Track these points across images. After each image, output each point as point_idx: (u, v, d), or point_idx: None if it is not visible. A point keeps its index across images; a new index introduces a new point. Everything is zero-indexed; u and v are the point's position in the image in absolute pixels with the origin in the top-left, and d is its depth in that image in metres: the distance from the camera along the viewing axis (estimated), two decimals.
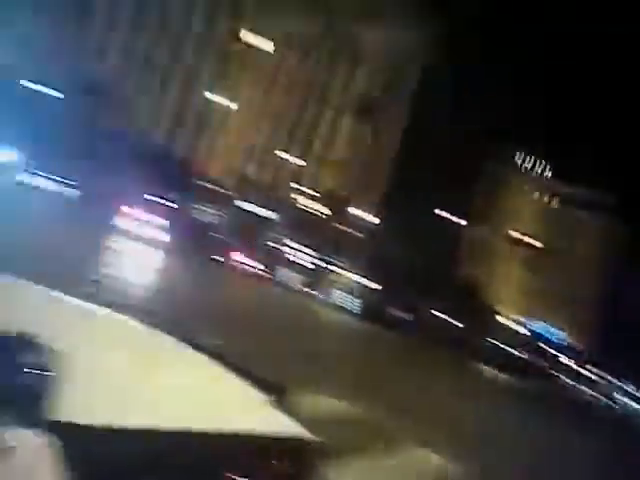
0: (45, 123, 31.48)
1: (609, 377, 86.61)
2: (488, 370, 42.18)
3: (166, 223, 29.32)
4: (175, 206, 32.53)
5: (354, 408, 5.68)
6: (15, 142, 28.62)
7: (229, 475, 1.37)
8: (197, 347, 1.99)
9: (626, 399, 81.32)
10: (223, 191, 41.44)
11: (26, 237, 10.78)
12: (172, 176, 34.31)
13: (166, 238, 27.81)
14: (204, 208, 38.04)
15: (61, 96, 37.98)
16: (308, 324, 19.86)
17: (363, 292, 44.96)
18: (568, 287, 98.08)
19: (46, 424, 1.13)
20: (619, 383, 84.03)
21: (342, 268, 46.11)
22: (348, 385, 8.58)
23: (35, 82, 36.79)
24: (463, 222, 52.63)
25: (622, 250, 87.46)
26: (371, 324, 34.81)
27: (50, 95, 37.50)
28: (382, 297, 44.02)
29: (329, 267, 45.18)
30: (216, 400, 1.69)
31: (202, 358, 1.93)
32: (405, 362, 19.93)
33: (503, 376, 43.17)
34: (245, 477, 1.42)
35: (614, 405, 76.78)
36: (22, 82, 35.92)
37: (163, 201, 31.47)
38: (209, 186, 40.91)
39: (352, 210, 49.42)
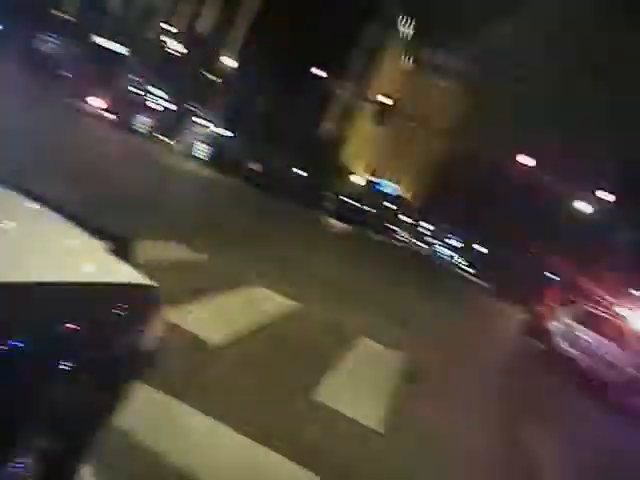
0: None
1: (437, 232, 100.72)
2: (332, 221, 44.98)
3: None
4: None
5: (196, 254, 6.91)
6: None
7: (69, 324, 1.32)
8: (37, 198, 1.86)
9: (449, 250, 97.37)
10: (77, 22, 37.15)
11: None
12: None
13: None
14: (55, 41, 34.54)
15: None
16: (158, 172, 18.81)
17: (217, 140, 45.62)
18: (418, 149, 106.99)
19: None
20: (445, 238, 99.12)
21: (199, 116, 45.99)
22: (193, 232, 8.53)
23: None
24: (324, 75, 52.56)
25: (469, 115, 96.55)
26: (222, 173, 35.63)
27: None
28: (235, 146, 44.55)
29: (186, 113, 44.73)
30: (56, 250, 1.61)
31: (42, 209, 1.82)
32: (251, 210, 19.80)
33: (346, 227, 46.36)
34: (85, 324, 1.39)
35: (440, 255, 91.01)
36: None
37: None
38: (64, 16, 36.71)
39: (218, 58, 47.90)
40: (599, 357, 10.67)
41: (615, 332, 10.83)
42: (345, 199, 68.48)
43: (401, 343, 7.17)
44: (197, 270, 6.40)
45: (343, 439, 3.67)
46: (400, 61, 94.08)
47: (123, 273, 1.80)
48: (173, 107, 43.70)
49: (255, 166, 44.43)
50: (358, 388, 4.88)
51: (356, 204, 70.57)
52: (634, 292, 26.56)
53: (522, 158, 38.55)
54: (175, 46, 46.33)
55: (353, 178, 73.17)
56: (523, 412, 7.16)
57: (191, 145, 43.70)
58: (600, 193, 33.45)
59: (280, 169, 47.76)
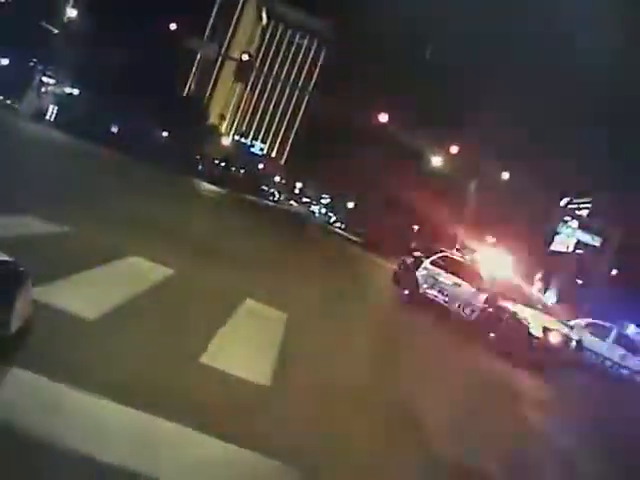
0: None
1: (308, 190, 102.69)
2: (201, 183, 44.34)
3: None
4: None
5: (55, 226, 6.34)
6: None
7: None
8: None
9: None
10: None
11: None
12: None
13: None
14: None
15: None
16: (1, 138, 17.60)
17: (66, 100, 41.70)
18: (282, 106, 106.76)
19: None
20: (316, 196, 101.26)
21: (43, 73, 41.50)
22: (49, 203, 8.01)
23: None
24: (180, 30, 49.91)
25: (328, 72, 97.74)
26: (74, 136, 33.13)
27: None
28: (87, 107, 41.10)
29: (27, 71, 40.14)
30: None
31: None
32: (110, 175, 18.59)
33: (215, 189, 45.69)
34: None
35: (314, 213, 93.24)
36: None
37: None
38: None
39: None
40: (455, 296, 11.87)
41: (468, 274, 12.08)
42: (213, 160, 66.93)
43: (283, 301, 7.34)
44: (59, 243, 5.99)
45: (232, 397, 3.74)
46: (259, 16, 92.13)
47: None
48: (7, 63, 38.88)
49: (113, 127, 41.73)
50: (244, 347, 4.96)
51: (224, 165, 69.47)
52: (489, 238, 29.68)
53: (381, 115, 40.23)
54: None
55: (219, 138, 71.64)
56: (393, 348, 7.82)
57: (37, 106, 39.46)
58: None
59: (140, 130, 45.24)
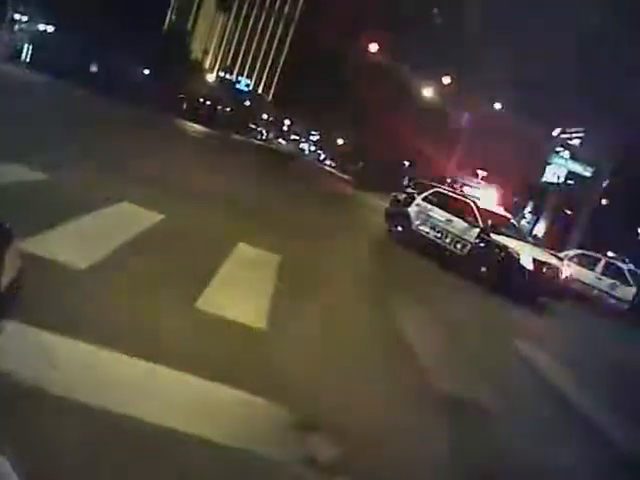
0: None
1: (296, 127, 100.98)
2: (188, 124, 43.29)
3: None
4: None
5: (40, 173, 6.27)
6: None
7: None
8: None
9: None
10: None
11: None
12: None
13: None
14: None
15: None
16: None
17: (40, 38, 39.82)
18: (267, 38, 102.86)
19: None
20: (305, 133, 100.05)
21: (14, 9, 39.30)
22: (30, 149, 7.80)
23: None
24: None
25: None
26: (52, 76, 32.02)
27: None
28: (64, 44, 39.10)
29: None
30: None
31: None
32: (93, 118, 17.96)
33: (203, 129, 44.75)
34: None
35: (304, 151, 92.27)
36: None
37: None
38: None
39: None
40: (447, 231, 11.91)
41: (460, 209, 12.06)
42: (198, 99, 65.00)
43: (275, 244, 7.32)
44: (46, 192, 5.87)
45: (230, 342, 3.77)
46: None
47: None
48: None
49: (92, 66, 40.12)
50: (239, 292, 4.97)
51: (209, 103, 67.65)
52: (480, 172, 29.49)
53: (372, 46, 38.83)
54: None
55: (203, 75, 69.40)
56: (391, 285, 7.91)
57: (11, 45, 37.71)
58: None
59: (120, 69, 43.60)
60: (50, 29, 41.24)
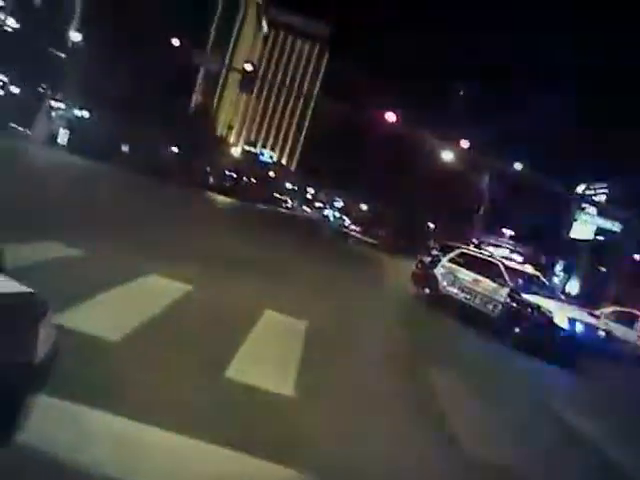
0: None
1: (320, 195, 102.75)
2: (216, 196, 44.80)
3: None
4: None
5: (75, 249, 6.50)
6: None
7: None
8: None
9: None
10: None
11: None
12: None
13: None
14: None
15: None
16: (16, 165, 17.83)
17: (76, 123, 42.22)
18: (288, 112, 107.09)
19: None
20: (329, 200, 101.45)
21: (52, 98, 42.05)
22: (66, 226, 8.19)
23: None
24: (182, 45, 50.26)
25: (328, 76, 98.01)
26: (88, 159, 33.62)
27: None
28: (98, 128, 41.62)
29: (36, 97, 40.68)
30: None
31: None
32: (127, 195, 18.69)
33: (231, 200, 45.59)
34: None
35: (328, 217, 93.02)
36: None
37: None
38: None
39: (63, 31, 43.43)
40: (476, 292, 11.71)
41: (487, 269, 11.91)
42: (224, 172, 67.20)
43: (304, 311, 7.29)
44: (80, 267, 6.03)
45: (260, 411, 3.71)
46: (259, 26, 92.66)
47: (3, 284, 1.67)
48: (18, 91, 39.43)
49: (124, 147, 42.07)
50: (267, 359, 4.92)
51: (235, 175, 69.78)
52: (505, 231, 29.33)
53: (388, 115, 39.95)
54: (9, 22, 41.35)
55: (228, 149, 72.07)
56: (421, 354, 7.71)
57: (48, 131, 40.04)
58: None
59: (150, 147, 45.68)
60: (85, 114, 43.80)
